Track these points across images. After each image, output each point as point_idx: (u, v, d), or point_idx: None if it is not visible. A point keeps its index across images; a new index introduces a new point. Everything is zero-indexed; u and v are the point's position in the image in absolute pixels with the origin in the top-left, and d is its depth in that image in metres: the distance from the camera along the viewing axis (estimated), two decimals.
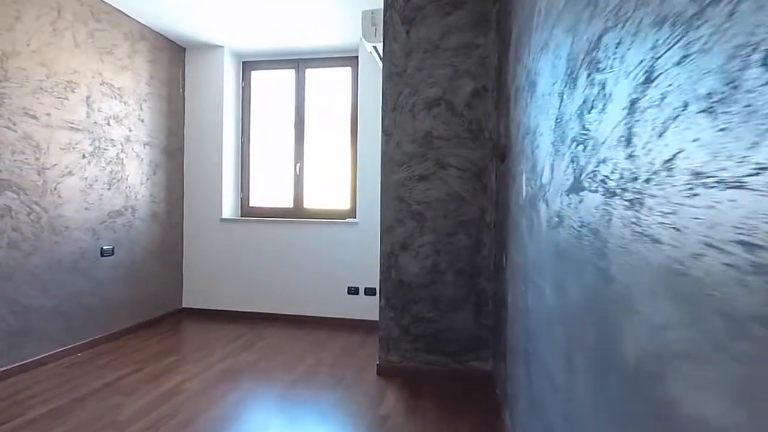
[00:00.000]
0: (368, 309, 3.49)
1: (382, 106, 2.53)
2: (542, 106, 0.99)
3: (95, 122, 2.83)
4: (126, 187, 3.11)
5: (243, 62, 3.89)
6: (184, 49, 3.71)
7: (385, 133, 2.55)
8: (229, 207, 3.80)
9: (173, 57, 3.58)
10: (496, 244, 2.27)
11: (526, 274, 1.16)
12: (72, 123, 2.66)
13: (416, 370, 2.38)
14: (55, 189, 2.56)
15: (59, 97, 2.57)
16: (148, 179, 3.32)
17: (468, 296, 2.34)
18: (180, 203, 3.72)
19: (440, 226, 2.42)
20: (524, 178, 1.22)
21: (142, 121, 3.25)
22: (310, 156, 3.79)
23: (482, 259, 2.34)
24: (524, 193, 1.22)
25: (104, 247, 2.91)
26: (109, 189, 2.95)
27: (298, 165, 3.77)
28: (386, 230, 2.52)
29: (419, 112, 2.47)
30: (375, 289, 3.48)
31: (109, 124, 2.94)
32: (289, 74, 3.81)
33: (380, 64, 2.92)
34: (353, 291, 3.52)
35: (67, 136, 2.63)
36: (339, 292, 3.55)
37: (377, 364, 2.44)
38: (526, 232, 1.16)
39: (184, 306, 3.77)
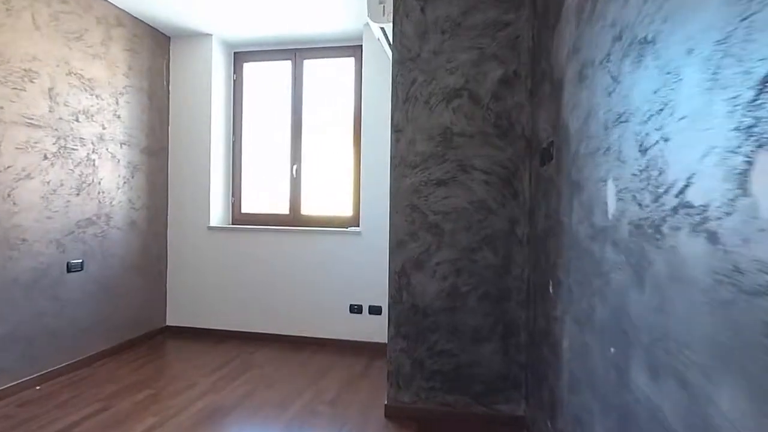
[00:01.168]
0: (373, 330, 3.11)
1: (392, 98, 2.16)
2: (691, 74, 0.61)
3: (60, 118, 2.45)
4: (99, 192, 2.73)
5: (234, 53, 3.51)
6: (169, 38, 3.33)
7: (396, 129, 2.17)
8: (218, 214, 3.43)
9: (156, 46, 3.20)
10: (531, 263, 1.89)
11: (626, 339, 0.78)
12: (31, 118, 2.29)
13: (432, 413, 2.00)
14: (8, 195, 2.19)
15: (14, 88, 2.20)
16: (125, 183, 2.95)
17: (495, 325, 1.96)
18: (163, 210, 3.35)
19: (461, 241, 2.04)
20: (613, 188, 0.84)
21: (119, 117, 2.88)
22: (308, 157, 3.42)
23: (512, 280, 1.96)
24: (612, 211, 0.85)
25: (71, 261, 2.54)
26: (77, 194, 2.58)
27: (294, 167, 3.40)
28: (397, 245, 2.15)
29: (436, 105, 2.09)
30: (380, 307, 3.10)
31: (77, 120, 2.56)
32: (285, 66, 3.44)
33: (389, 52, 2.55)
34: (356, 309, 3.15)
35: (24, 134, 2.26)
36: (340, 311, 3.17)
37: (385, 405, 2.06)
38: (625, 274, 0.78)
39: (168, 324, 3.39)
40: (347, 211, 3.35)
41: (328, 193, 3.43)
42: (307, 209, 3.42)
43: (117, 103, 2.85)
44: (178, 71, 3.36)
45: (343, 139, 3.37)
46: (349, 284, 3.16)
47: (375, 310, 3.12)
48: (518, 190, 2.01)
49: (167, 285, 3.39)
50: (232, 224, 3.51)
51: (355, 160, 3.31)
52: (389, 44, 2.35)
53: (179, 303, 3.39)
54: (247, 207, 3.56)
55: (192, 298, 3.38)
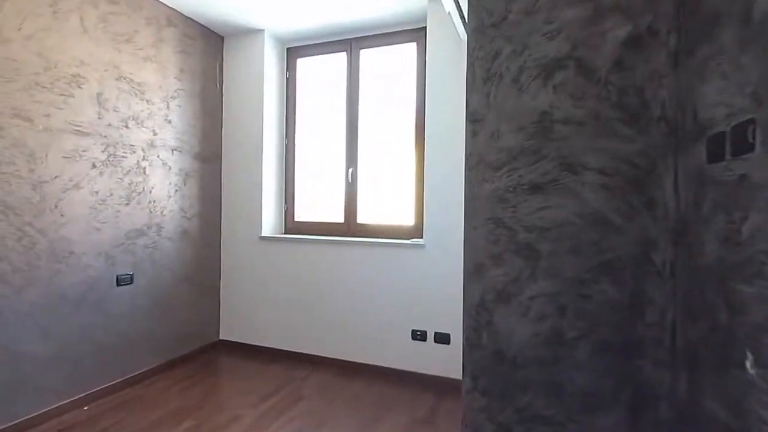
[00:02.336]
0: (439, 361, 2.71)
1: (468, 79, 1.74)
2: None
3: (109, 124, 2.34)
4: (149, 202, 2.61)
5: (287, 49, 3.29)
6: (222, 38, 3.18)
7: (472, 119, 1.74)
8: (270, 222, 3.22)
9: (208, 46, 3.06)
10: (685, 308, 1.39)
11: None
12: (79, 126, 2.18)
13: None
14: (55, 207, 2.09)
15: (62, 95, 2.10)
16: (177, 191, 2.82)
17: (618, 389, 1.47)
18: (217, 218, 3.20)
19: (566, 268, 1.57)
20: None
21: (170, 122, 2.75)
22: (364, 159, 3.10)
23: (646, 328, 1.45)
24: None
25: (121, 274, 2.42)
26: (127, 204, 2.46)
27: (350, 170, 3.10)
28: (475, 270, 1.72)
29: (529, 83, 1.63)
30: (448, 336, 2.69)
31: (127, 127, 2.44)
32: (340, 59, 3.15)
33: (462, 31, 2.14)
34: (419, 336, 2.76)
35: (72, 142, 2.15)
36: (401, 336, 2.81)
37: None
38: None
39: (221, 338, 3.25)
40: (408, 221, 2.98)
41: (387, 200, 3.08)
42: (364, 218, 3.10)
43: (168, 107, 2.73)
44: (231, 72, 3.20)
45: (404, 137, 3.00)
46: (410, 306, 2.79)
47: (442, 338, 2.72)
48: (656, 198, 1.49)
49: (221, 297, 3.24)
50: (285, 233, 3.29)
51: (417, 162, 2.93)
52: (462, 19, 1.94)
53: (232, 317, 3.23)
54: (301, 215, 3.32)
55: (245, 313, 3.20)
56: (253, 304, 3.17)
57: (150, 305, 2.62)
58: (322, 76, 3.24)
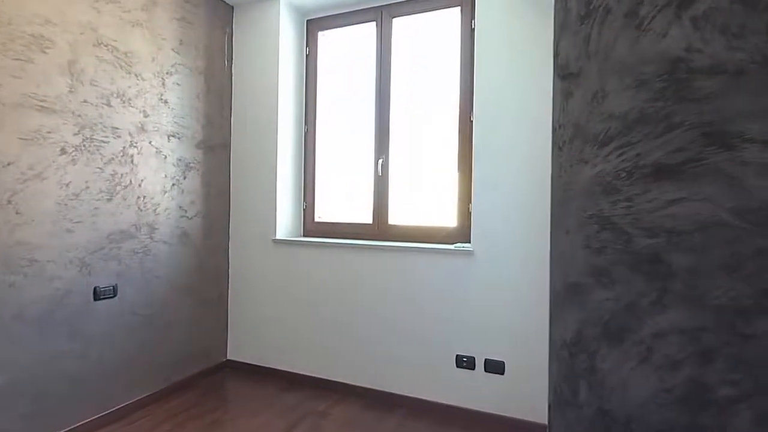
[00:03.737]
0: (491, 395, 2.12)
1: (556, 18, 1.17)
2: None
3: (85, 101, 1.90)
4: (138, 197, 2.16)
5: (307, 21, 2.80)
6: (232, 7, 2.72)
7: (563, 74, 1.17)
8: (286, 223, 2.72)
9: (214, 16, 2.60)
10: None
11: None
12: (42, 100, 1.74)
13: None
14: (8, 202, 1.65)
15: (17, 59, 1.66)
16: (174, 185, 2.36)
17: None
18: (224, 218, 2.73)
19: (715, 292, 0.97)
20: None
21: (166, 102, 2.29)
22: (397, 148, 2.55)
23: None
24: None
25: (100, 286, 1.97)
26: (109, 200, 2.01)
27: (380, 161, 2.56)
28: (567, 292, 1.15)
29: (652, 17, 1.04)
30: (502, 364, 2.10)
31: (109, 105, 2.00)
32: (369, 31, 2.63)
33: None
34: (466, 363, 2.18)
35: (33, 121, 1.72)
36: (443, 363, 2.23)
37: None
38: None
39: (229, 358, 2.77)
40: (449, 221, 2.41)
41: (425, 197, 2.52)
42: (396, 218, 2.55)
43: (163, 84, 2.27)
44: (241, 47, 2.73)
45: (446, 122, 2.44)
46: (455, 326, 2.21)
47: (494, 367, 2.12)
48: None
49: (228, 311, 2.77)
50: (304, 236, 2.78)
51: (462, 151, 2.36)
52: None
53: (242, 334, 2.74)
54: (322, 215, 2.80)
55: (257, 329, 2.71)
56: (267, 320, 2.67)
57: (138, 322, 2.16)
58: (347, 52, 2.72)
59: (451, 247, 2.25)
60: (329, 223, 2.75)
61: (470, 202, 2.31)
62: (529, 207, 2.07)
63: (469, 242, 2.29)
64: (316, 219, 2.79)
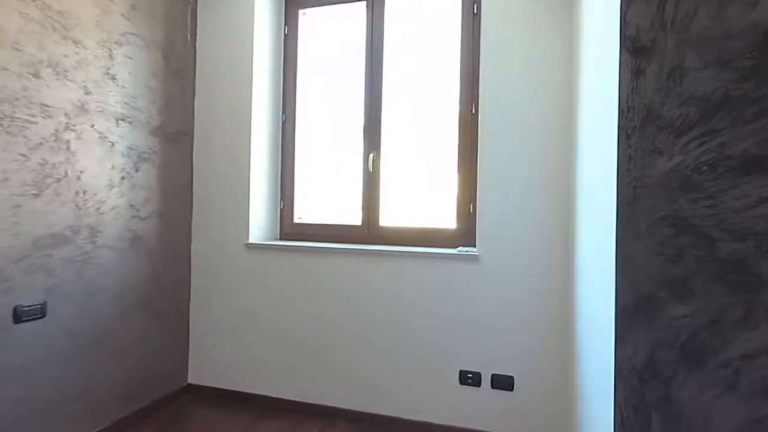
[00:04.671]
0: (499, 413, 1.89)
1: None
2: None
3: (4, 68, 1.48)
4: (77, 193, 1.75)
5: None
6: None
7: (633, 48, 0.95)
8: (260, 225, 2.37)
9: None
10: None
11: None
12: None
13: None
14: None
15: None
16: (124, 179, 1.96)
17: None
18: (185, 219, 2.34)
19: None
20: None
21: (113, 78, 1.89)
22: (389, 142, 2.28)
23: None
24: None
25: (23, 306, 1.55)
26: (37, 195, 1.59)
27: (371, 156, 2.27)
28: (638, 306, 0.93)
29: None
30: (511, 379, 1.87)
31: (37, 76, 1.58)
32: (358, 9, 2.33)
33: None
34: (470, 379, 1.94)
35: None
36: (446, 380, 1.98)
37: None
38: None
39: (191, 382, 2.37)
40: (449, 223, 2.16)
41: (420, 196, 2.26)
42: (389, 219, 2.27)
43: (110, 56, 1.87)
44: (208, 21, 2.35)
45: (445, 113, 2.19)
46: (458, 339, 1.96)
47: (502, 383, 1.89)
48: None
49: (190, 328, 2.37)
50: (281, 239, 2.43)
51: (463, 145, 2.12)
52: None
53: (207, 354, 2.35)
54: (302, 215, 2.47)
55: (225, 348, 2.33)
56: (237, 337, 2.30)
57: (76, 348, 1.75)
58: (333, 35, 2.42)
59: (454, 251, 2.00)
60: (311, 224, 2.42)
61: (472, 203, 2.08)
62: (542, 207, 1.86)
63: (473, 246, 2.05)
64: (296, 220, 2.46)
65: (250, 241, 2.28)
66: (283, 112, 2.46)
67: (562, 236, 1.83)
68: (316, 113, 2.44)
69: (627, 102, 0.95)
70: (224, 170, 2.31)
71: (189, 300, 2.36)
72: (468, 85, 2.11)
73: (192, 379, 2.37)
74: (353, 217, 2.33)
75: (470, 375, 1.93)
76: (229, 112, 2.30)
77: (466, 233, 2.10)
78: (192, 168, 2.36)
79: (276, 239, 2.45)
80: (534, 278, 1.86)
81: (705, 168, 0.90)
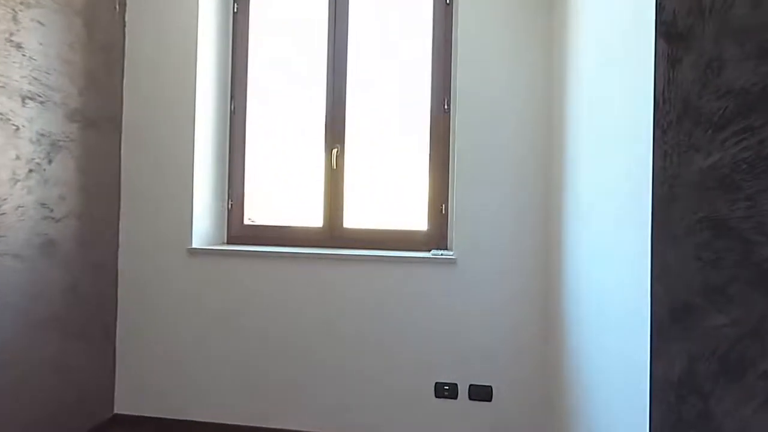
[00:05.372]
0: (478, 426, 1.81)
1: None
2: None
3: None
4: None
5: None
6: None
7: (669, 33, 0.89)
8: (204, 227, 2.08)
9: None
10: None
11: None
12: None
13: None
14: None
15: None
16: (32, 171, 1.58)
17: None
18: (111, 220, 1.98)
19: None
20: None
21: (19, 47, 1.52)
22: (355, 137, 2.11)
23: None
24: None
25: None
26: None
27: (335, 151, 2.09)
28: (674, 316, 0.86)
29: None
30: (489, 389, 1.80)
31: None
32: None
33: None
34: (447, 391, 1.83)
35: None
36: (420, 394, 1.85)
37: None
38: None
39: (118, 412, 2.01)
40: (419, 224, 2.05)
41: (388, 195, 2.12)
42: (353, 220, 2.11)
43: (15, 19, 1.50)
44: None
45: (415, 106, 2.08)
46: (433, 349, 1.85)
47: (480, 394, 1.81)
48: None
49: (116, 349, 2.01)
50: (228, 243, 2.16)
51: (435, 143, 2.02)
52: None
53: (138, 378, 2.01)
54: (254, 215, 2.21)
55: (159, 370, 2.00)
56: (175, 358, 1.99)
57: None
58: (290, 14, 2.19)
59: (428, 254, 1.89)
60: (264, 226, 2.17)
61: (444, 203, 1.98)
62: (522, 208, 1.81)
63: (445, 248, 1.96)
64: (246, 221, 2.19)
65: (193, 245, 1.98)
66: (232, 100, 2.19)
67: (543, 238, 1.80)
68: (271, 102, 2.20)
69: (663, 94, 0.89)
70: (161, 163, 1.99)
71: (116, 317, 2.00)
72: (440, 79, 2.01)
73: (120, 408, 2.01)
74: (313, 218, 2.12)
75: (446, 387, 1.83)
76: (168, 96, 1.99)
77: (438, 235, 2.00)
78: (120, 160, 2.01)
79: (223, 243, 2.16)
80: (514, 282, 1.80)
81: (744, 166, 0.85)
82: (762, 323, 0.82)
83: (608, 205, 1.19)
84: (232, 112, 2.18)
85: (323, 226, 2.11)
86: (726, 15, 0.84)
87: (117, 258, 1.99)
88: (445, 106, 2.00)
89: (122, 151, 2.01)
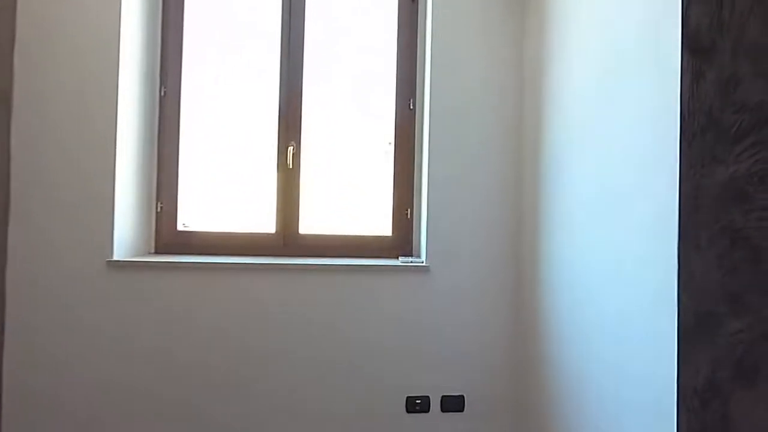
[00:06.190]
0: None
1: None
2: None
3: None
4: None
5: None
6: None
7: (695, 47, 0.88)
8: (128, 235, 1.71)
9: None
10: None
11: None
12: None
13: None
14: None
15: None
16: None
17: None
18: None
19: None
20: None
21: None
22: (312, 133, 1.92)
23: None
24: None
25: None
26: None
27: (290, 149, 1.87)
28: (698, 325, 0.86)
29: None
30: (461, 399, 1.75)
31: None
32: None
33: None
34: (418, 406, 1.74)
35: None
36: (391, 410, 1.73)
37: None
38: None
39: None
40: (383, 229, 1.93)
41: (350, 198, 1.97)
42: (310, 225, 1.91)
43: None
44: None
45: (379, 104, 1.96)
46: (404, 362, 1.74)
47: (452, 405, 1.75)
48: None
49: (2, 388, 1.54)
50: (157, 254, 1.81)
51: (401, 142, 1.92)
52: None
53: (34, 425, 1.56)
54: (190, 221, 1.89)
55: (65, 414, 1.58)
56: (86, 400, 1.59)
57: None
58: None
59: (397, 262, 1.78)
60: (202, 233, 1.86)
61: (408, 207, 1.90)
62: (494, 212, 1.79)
63: (410, 255, 1.87)
64: (180, 227, 1.86)
65: (114, 257, 1.61)
66: (162, 84, 1.84)
67: (516, 243, 1.79)
68: (213, 89, 1.90)
69: (689, 105, 0.89)
70: (71, 157, 1.59)
71: (2, 353, 1.54)
72: (405, 78, 1.92)
73: None
74: (264, 223, 1.88)
75: (418, 401, 1.73)
76: (78, 75, 1.59)
77: (403, 241, 1.90)
78: (9, 150, 1.55)
79: (150, 253, 1.81)
80: (489, 289, 1.77)
81: (755, 179, 0.89)
82: (766, 331, 0.86)
83: (622, 216, 1.17)
84: (162, 99, 1.84)
85: (276, 232, 1.87)
86: (741, 32, 0.87)
87: (4, 276, 1.53)
88: (411, 106, 1.92)
89: (12, 139, 1.55)
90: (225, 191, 1.92)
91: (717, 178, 0.89)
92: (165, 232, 1.84)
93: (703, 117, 0.91)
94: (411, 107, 1.91)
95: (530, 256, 1.69)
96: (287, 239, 1.87)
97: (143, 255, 1.77)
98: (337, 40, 1.94)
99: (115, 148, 1.60)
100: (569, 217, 1.43)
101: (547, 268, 1.55)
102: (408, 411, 1.73)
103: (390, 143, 1.93)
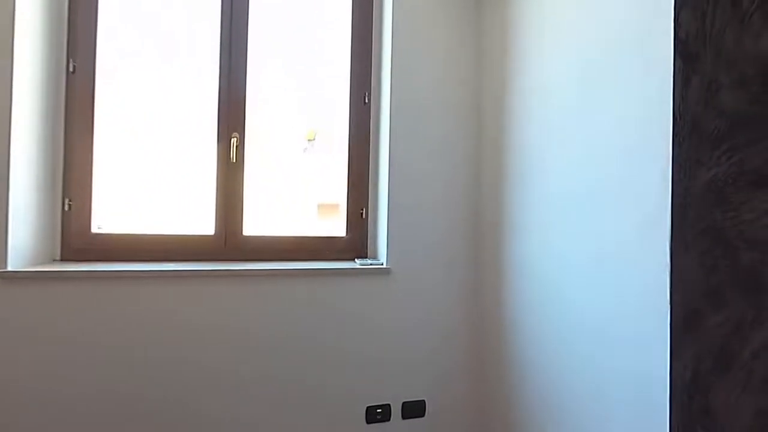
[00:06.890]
0: None
1: None
2: None
3: None
4: None
5: None
6: None
7: (685, 52, 0.92)
8: (27, 239, 1.38)
9: None
10: None
11: None
12: None
13: None
14: None
15: None
16: None
17: None
18: None
19: None
20: None
21: None
22: (257, 124, 1.74)
23: None
24: None
25: None
26: None
27: (233, 141, 1.66)
28: (686, 322, 0.89)
29: (752, 12, 0.95)
30: (422, 404, 1.70)
31: None
32: None
33: None
34: (379, 415, 1.65)
35: None
36: (350, 423, 1.62)
37: None
38: None
39: None
40: (336, 230, 1.81)
41: (299, 196, 1.82)
42: (258, 227, 1.72)
43: None
44: None
45: (331, 97, 1.83)
46: (363, 370, 1.64)
47: (413, 410, 1.69)
48: None
49: None
50: (64, 261, 1.49)
51: (356, 138, 1.81)
52: None
53: None
54: (105, 222, 1.59)
55: None
56: None
57: None
58: None
59: (355, 264, 1.67)
60: (122, 236, 1.58)
61: (364, 206, 1.80)
62: (457, 211, 1.76)
63: (367, 256, 1.78)
64: (95, 229, 1.56)
65: (10, 267, 1.29)
66: (71, 58, 1.53)
67: (481, 242, 1.76)
68: (136, 65, 1.63)
69: (679, 108, 0.92)
70: None
71: None
72: (359, 71, 1.82)
73: None
74: (202, 224, 1.65)
75: (379, 410, 1.64)
76: None
77: (358, 242, 1.80)
78: None
79: (55, 261, 1.49)
80: (450, 290, 1.73)
81: (730, 181, 0.94)
82: (742, 319, 0.92)
83: (603, 214, 1.17)
84: (70, 76, 1.52)
85: (215, 233, 1.65)
86: (719, 42, 0.92)
87: None
88: (366, 99, 1.82)
89: None
90: (151, 187, 1.65)
91: (701, 180, 0.91)
92: (75, 235, 1.52)
93: (689, 121, 0.94)
94: (366, 101, 1.82)
95: (494, 256, 1.68)
96: (229, 241, 1.66)
97: (46, 263, 1.44)
98: (285, 22, 1.77)
99: (9, 131, 1.27)
100: (539, 217, 1.43)
101: (514, 267, 1.55)
102: (368, 422, 1.63)
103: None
